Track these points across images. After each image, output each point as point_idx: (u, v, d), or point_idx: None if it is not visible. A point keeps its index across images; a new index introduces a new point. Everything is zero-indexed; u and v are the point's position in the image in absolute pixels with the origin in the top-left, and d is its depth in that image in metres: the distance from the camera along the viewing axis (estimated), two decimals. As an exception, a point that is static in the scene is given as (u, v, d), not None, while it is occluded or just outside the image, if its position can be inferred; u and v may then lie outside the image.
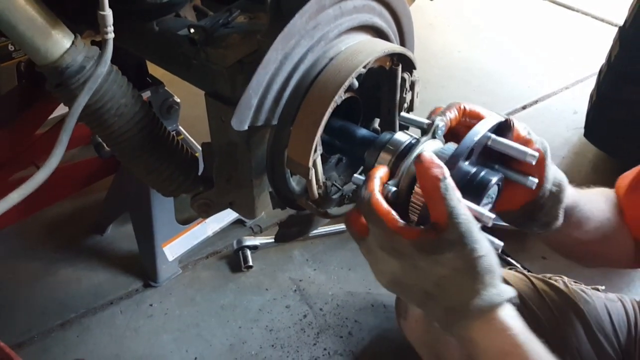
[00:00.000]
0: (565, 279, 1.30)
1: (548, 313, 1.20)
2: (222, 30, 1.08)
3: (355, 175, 0.84)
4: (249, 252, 1.90)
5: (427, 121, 0.86)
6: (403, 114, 0.97)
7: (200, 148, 1.24)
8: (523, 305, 1.20)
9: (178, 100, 1.67)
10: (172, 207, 1.77)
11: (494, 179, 0.81)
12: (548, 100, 2.82)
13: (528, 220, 0.88)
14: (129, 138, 1.08)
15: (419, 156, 0.71)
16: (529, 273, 1.33)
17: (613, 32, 2.09)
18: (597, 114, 2.19)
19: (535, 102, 2.80)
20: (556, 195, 0.85)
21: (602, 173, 2.27)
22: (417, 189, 0.75)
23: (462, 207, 0.68)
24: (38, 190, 1.86)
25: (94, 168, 1.95)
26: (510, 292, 0.69)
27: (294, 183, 1.03)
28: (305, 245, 1.99)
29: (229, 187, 1.15)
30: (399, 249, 0.69)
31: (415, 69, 1.02)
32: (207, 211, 1.32)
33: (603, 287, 1.33)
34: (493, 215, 0.74)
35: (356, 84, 0.88)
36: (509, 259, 1.93)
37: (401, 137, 0.90)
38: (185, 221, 1.89)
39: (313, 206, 1.00)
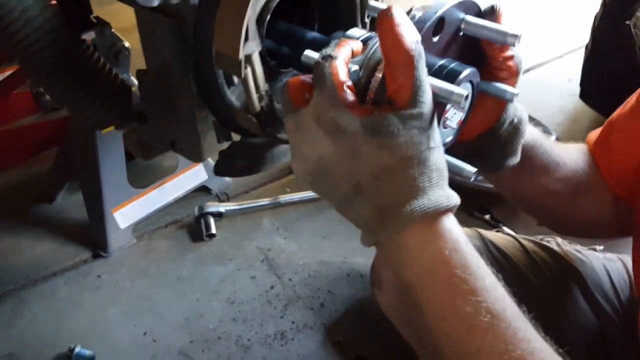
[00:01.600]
0: (559, 239, 1.16)
1: (540, 276, 1.07)
2: None
3: (306, 52, 0.64)
4: (212, 220, 1.72)
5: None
6: (371, 2, 0.79)
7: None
8: (513, 269, 1.06)
9: (128, 45, 1.50)
10: (124, 167, 1.62)
11: (467, 71, 0.64)
12: (540, 69, 2.70)
13: (481, 155, 0.74)
14: (39, 51, 0.92)
15: (388, 9, 0.55)
16: (518, 235, 1.17)
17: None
18: (592, 66, 2.07)
19: (527, 70, 2.66)
20: (516, 127, 0.72)
21: (600, 139, 2.12)
22: (378, 70, 0.59)
23: (428, 84, 0.55)
24: None
25: (41, 133, 1.80)
26: (456, 198, 0.55)
27: (233, 98, 0.86)
28: (276, 213, 1.82)
29: (166, 121, 0.99)
30: (342, 125, 0.54)
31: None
32: (144, 150, 1.15)
33: (601, 247, 1.20)
34: (465, 93, 0.58)
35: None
36: (500, 224, 1.76)
37: (356, 32, 0.72)
38: (142, 185, 1.72)
39: (255, 122, 0.82)
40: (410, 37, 0.53)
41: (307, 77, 0.62)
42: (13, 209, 1.78)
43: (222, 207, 1.76)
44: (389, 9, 0.54)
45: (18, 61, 0.96)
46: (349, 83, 0.57)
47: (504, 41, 0.65)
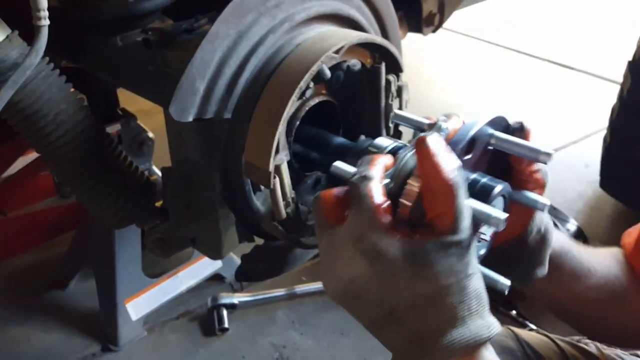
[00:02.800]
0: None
1: (580, 382, 1.01)
2: (185, 36, 0.97)
3: (336, 163, 0.64)
4: (225, 312, 1.67)
5: (427, 121, 0.69)
6: (397, 111, 0.81)
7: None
8: None
9: (152, 135, 1.53)
10: (139, 256, 1.60)
11: (500, 187, 0.64)
12: (557, 154, 2.62)
13: (510, 264, 0.73)
14: (69, 152, 0.93)
15: (423, 139, 0.56)
16: (554, 335, 1.12)
17: (616, 89, 2.02)
18: (612, 157, 2.07)
19: (543, 156, 2.66)
20: (544, 236, 0.73)
21: (623, 228, 2.06)
22: (410, 182, 0.59)
23: (469, 211, 0.55)
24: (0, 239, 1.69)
25: (58, 218, 1.81)
26: (497, 327, 0.54)
27: (259, 203, 0.85)
28: (292, 305, 1.77)
29: (188, 218, 0.98)
30: (382, 250, 0.53)
31: (401, 71, 0.88)
32: (164, 248, 1.13)
33: (645, 353, 1.12)
34: (504, 217, 0.56)
35: (327, 72, 0.73)
36: (527, 322, 1.68)
37: (383, 141, 0.73)
38: (155, 274, 1.69)
39: (280, 229, 0.81)
40: (449, 166, 0.53)
41: (340, 192, 0.61)
42: (26, 293, 1.76)
43: (236, 299, 1.71)
44: (426, 139, 0.55)
45: (43, 157, 0.97)
46: (386, 205, 0.56)
47: (537, 158, 0.65)
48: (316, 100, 0.81)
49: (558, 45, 4.05)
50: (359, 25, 0.86)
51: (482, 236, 0.67)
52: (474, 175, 0.65)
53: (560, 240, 0.80)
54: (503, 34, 4.27)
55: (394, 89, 0.88)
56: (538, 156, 0.65)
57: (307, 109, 0.79)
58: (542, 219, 0.73)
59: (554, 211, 2.04)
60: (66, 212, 1.85)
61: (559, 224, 1.94)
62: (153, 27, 1.01)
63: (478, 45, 4.18)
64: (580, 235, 1.95)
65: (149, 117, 1.58)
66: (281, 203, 0.77)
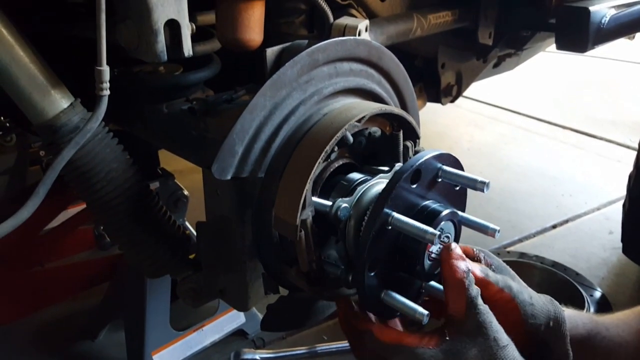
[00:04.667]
0: None
1: None
2: (225, 105, 1.08)
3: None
4: (247, 368, 1.69)
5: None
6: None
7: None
8: None
9: (187, 193, 1.64)
10: (168, 309, 1.66)
11: (447, 211, 0.75)
12: (579, 220, 2.71)
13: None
14: (116, 206, 1.03)
15: (448, 246, 0.72)
16: None
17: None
18: (632, 223, 2.05)
19: (566, 221, 2.68)
20: (555, 329, 0.78)
21: (650, 295, 2.04)
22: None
23: (480, 299, 0.68)
24: (36, 290, 1.78)
25: (93, 270, 1.90)
26: None
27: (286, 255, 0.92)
28: (315, 363, 1.77)
29: (218, 270, 1.05)
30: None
31: (419, 138, 0.97)
32: (195, 298, 1.20)
33: None
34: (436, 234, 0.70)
35: (350, 138, 0.83)
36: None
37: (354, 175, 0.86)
38: (182, 327, 1.74)
39: (304, 281, 0.87)
40: (464, 267, 0.67)
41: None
42: (58, 342, 1.81)
43: (258, 355, 1.73)
44: (449, 247, 0.70)
45: (90, 210, 1.06)
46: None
47: (474, 187, 0.76)
48: (340, 162, 0.90)
49: (579, 114, 4.14)
50: (379, 98, 0.97)
51: (433, 255, 0.75)
52: (426, 202, 0.76)
53: (585, 323, 0.83)
54: (522, 102, 4.39)
55: (411, 153, 0.96)
56: (475, 184, 0.74)
57: (331, 169, 0.88)
58: (549, 312, 0.78)
59: (577, 277, 2.04)
60: (101, 265, 1.94)
61: (582, 291, 1.93)
62: (196, 97, 1.14)
63: (495, 113, 4.29)
64: (604, 303, 1.93)
65: (183, 176, 1.70)
66: (305, 255, 0.84)
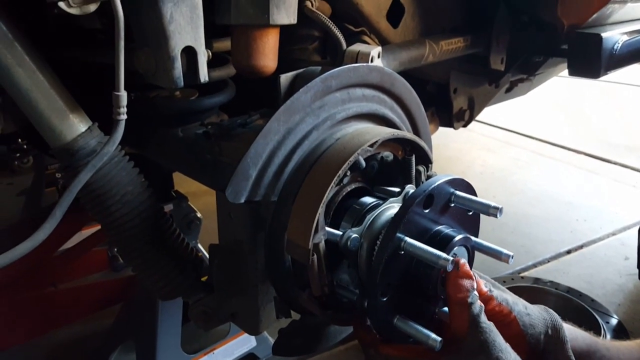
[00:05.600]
0: None
1: None
2: (239, 129, 1.10)
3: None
4: (258, 394, 1.67)
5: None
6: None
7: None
8: None
9: (200, 216, 1.65)
10: (180, 332, 1.65)
11: (460, 236, 0.76)
12: (594, 246, 2.67)
13: None
14: (131, 228, 1.04)
15: (457, 262, 0.71)
16: None
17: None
18: None
19: (581, 247, 2.64)
20: (554, 337, 0.79)
21: (669, 323, 1.99)
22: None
23: (484, 316, 0.68)
24: (48, 311, 1.79)
25: (105, 292, 1.91)
26: None
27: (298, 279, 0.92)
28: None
29: (230, 293, 1.05)
30: None
31: (431, 162, 0.98)
32: (207, 321, 1.19)
33: None
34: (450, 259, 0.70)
35: (363, 163, 0.83)
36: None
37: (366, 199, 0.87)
38: (193, 350, 1.73)
39: (316, 305, 0.87)
40: (468, 285, 0.68)
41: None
42: (68, 364, 1.81)
43: (269, 379, 1.72)
44: (457, 263, 0.71)
45: (105, 231, 1.07)
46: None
47: (487, 212, 0.76)
48: (353, 186, 0.90)
49: (594, 138, 4.12)
50: (392, 123, 0.98)
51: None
52: (439, 227, 0.76)
53: (585, 337, 0.84)
54: (535, 126, 4.38)
55: (424, 178, 0.96)
56: (488, 210, 0.74)
57: (344, 193, 0.89)
58: (546, 320, 0.79)
59: (592, 304, 2.00)
60: (113, 286, 1.95)
61: (598, 318, 1.89)
62: (211, 122, 1.16)
63: (508, 137, 4.29)
64: (621, 330, 1.88)
65: (196, 198, 1.72)
66: (317, 279, 0.84)
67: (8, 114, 1.43)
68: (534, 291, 2.03)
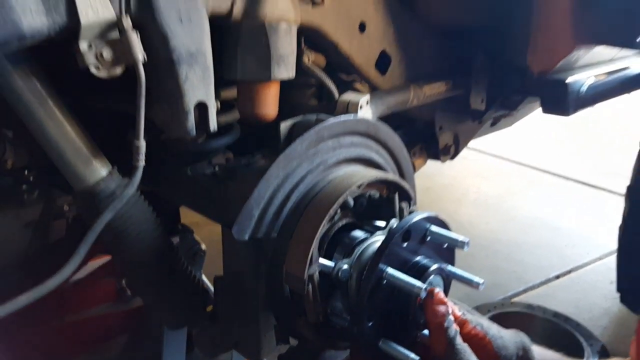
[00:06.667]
0: None
1: None
2: (244, 169, 1.22)
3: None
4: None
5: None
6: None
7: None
8: None
9: (204, 247, 1.75)
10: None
11: (435, 265, 0.86)
12: (582, 271, 2.76)
13: None
14: (144, 262, 1.12)
15: (431, 291, 0.82)
16: None
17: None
18: (624, 273, 2.11)
19: (569, 272, 2.74)
20: (525, 358, 0.87)
21: (651, 346, 2.06)
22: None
23: (460, 339, 0.78)
24: (55, 344, 1.82)
25: (111, 323, 1.95)
26: None
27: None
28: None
29: (234, 322, 1.13)
30: None
31: (411, 199, 1.09)
32: (212, 349, 1.27)
33: None
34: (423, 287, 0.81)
35: (351, 202, 0.95)
36: None
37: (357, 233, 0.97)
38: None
39: (312, 331, 0.97)
40: (443, 310, 0.78)
41: None
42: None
43: (270, 403, 1.78)
44: (432, 292, 0.81)
45: (118, 265, 1.16)
46: None
47: (457, 245, 0.87)
48: (343, 221, 1.02)
49: (583, 166, 4.24)
50: (378, 165, 1.10)
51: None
52: (417, 258, 0.87)
53: (554, 358, 0.93)
54: (528, 154, 4.50)
55: (406, 213, 1.08)
56: (457, 243, 0.85)
57: (335, 229, 1.00)
58: (516, 343, 0.88)
59: (578, 328, 2.09)
60: (120, 318, 1.98)
61: (583, 341, 1.98)
62: (219, 163, 1.28)
63: (501, 164, 4.40)
64: (603, 352, 1.97)
65: (199, 228, 1.81)
66: (312, 306, 0.94)
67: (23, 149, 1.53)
68: (523, 316, 2.13)
